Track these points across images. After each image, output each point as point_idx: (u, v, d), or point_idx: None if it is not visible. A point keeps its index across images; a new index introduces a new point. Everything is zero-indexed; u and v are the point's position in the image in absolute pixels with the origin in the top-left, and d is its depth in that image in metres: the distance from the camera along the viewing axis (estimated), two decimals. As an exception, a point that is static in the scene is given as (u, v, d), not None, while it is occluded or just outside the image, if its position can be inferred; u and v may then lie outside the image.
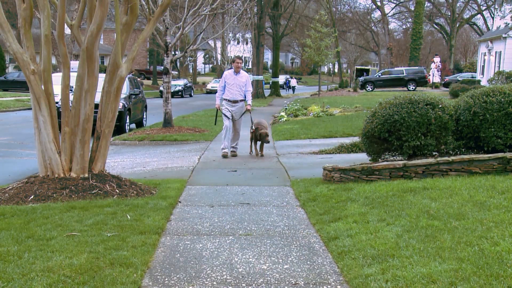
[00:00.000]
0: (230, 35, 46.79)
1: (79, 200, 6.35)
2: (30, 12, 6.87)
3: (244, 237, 5.09)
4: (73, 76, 6.98)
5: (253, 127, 10.54)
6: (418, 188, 6.13)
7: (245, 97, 10.77)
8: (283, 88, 54.78)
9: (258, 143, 10.75)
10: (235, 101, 10.62)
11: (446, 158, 6.98)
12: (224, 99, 10.68)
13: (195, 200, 6.72)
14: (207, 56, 74.81)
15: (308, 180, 7.63)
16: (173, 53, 18.08)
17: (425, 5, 55.80)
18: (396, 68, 46.12)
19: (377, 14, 65.88)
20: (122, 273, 3.98)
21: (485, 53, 36.80)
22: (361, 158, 8.81)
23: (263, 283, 3.95)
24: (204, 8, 16.73)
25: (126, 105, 16.00)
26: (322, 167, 7.68)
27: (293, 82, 58.20)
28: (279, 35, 42.98)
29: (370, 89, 41.02)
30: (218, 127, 13.85)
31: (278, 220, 5.70)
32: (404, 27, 71.37)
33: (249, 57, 51.11)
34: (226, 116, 10.62)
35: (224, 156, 10.50)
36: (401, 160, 7.46)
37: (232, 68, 10.77)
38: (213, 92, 46.86)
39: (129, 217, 5.59)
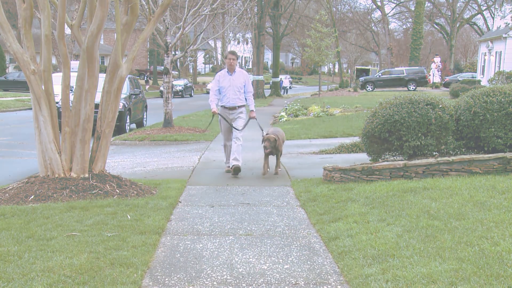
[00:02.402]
0: (230, 35, 46.83)
1: (79, 200, 6.35)
2: (30, 12, 6.87)
3: (244, 237, 5.09)
4: (73, 76, 6.98)
5: (263, 136, 8.40)
6: (418, 188, 6.13)
7: (246, 100, 8.75)
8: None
9: (271, 157, 8.76)
10: (233, 108, 8.59)
11: (447, 158, 6.98)
12: (221, 106, 8.72)
13: (195, 200, 6.72)
14: (208, 56, 74.76)
15: (309, 180, 7.63)
16: (173, 53, 18.07)
17: (425, 5, 55.81)
18: (396, 68, 46.14)
19: (377, 14, 65.94)
20: (122, 273, 3.99)
21: (485, 53, 36.78)
22: (361, 158, 8.81)
23: (264, 283, 3.95)
24: (204, 8, 16.72)
25: (126, 105, 16.02)
26: (322, 167, 7.68)
27: (286, 82, 50.59)
28: (279, 35, 42.99)
29: (370, 89, 41.05)
30: (218, 127, 13.85)
31: (278, 220, 5.70)
32: (404, 27, 71.42)
33: (249, 57, 51.05)
34: (224, 128, 8.76)
35: (229, 172, 8.71)
36: (402, 160, 7.46)
37: (225, 67, 8.76)
38: (213, 92, 46.58)
39: (129, 217, 5.59)
